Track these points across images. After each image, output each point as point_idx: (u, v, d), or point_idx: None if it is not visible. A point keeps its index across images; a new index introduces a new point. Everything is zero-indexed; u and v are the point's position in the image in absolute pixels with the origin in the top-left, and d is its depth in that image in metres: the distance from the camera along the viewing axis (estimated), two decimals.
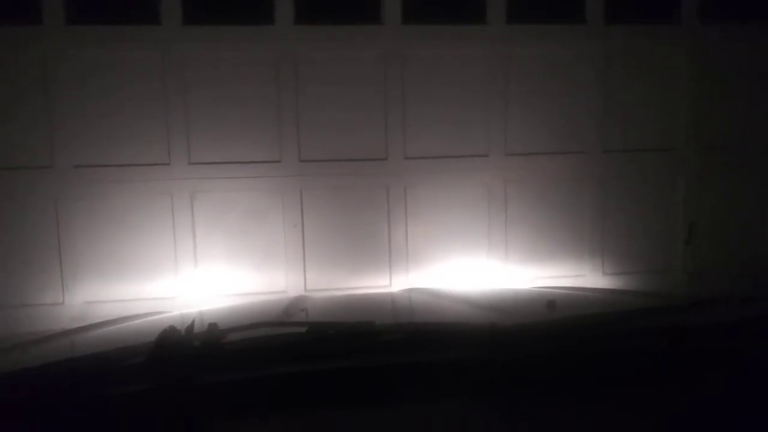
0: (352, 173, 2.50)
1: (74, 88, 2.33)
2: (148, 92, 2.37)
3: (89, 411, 0.79)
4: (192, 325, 0.91)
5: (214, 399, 0.82)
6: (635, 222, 2.65)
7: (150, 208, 2.40)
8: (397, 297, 1.68)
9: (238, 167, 2.43)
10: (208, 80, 2.40)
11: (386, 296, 1.80)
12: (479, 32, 2.51)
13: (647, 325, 0.97)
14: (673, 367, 0.86)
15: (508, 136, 2.56)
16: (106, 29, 2.33)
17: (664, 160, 2.65)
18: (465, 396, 0.82)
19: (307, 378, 0.83)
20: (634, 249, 2.65)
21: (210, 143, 2.41)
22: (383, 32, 2.46)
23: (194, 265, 2.44)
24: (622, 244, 2.64)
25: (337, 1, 2.46)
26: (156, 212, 2.41)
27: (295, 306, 1.38)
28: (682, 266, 2.66)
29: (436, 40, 2.49)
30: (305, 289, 2.47)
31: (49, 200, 2.34)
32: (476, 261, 2.58)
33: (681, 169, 2.66)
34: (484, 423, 0.78)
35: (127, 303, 2.36)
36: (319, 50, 2.44)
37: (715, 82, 2.65)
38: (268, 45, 2.41)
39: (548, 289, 1.65)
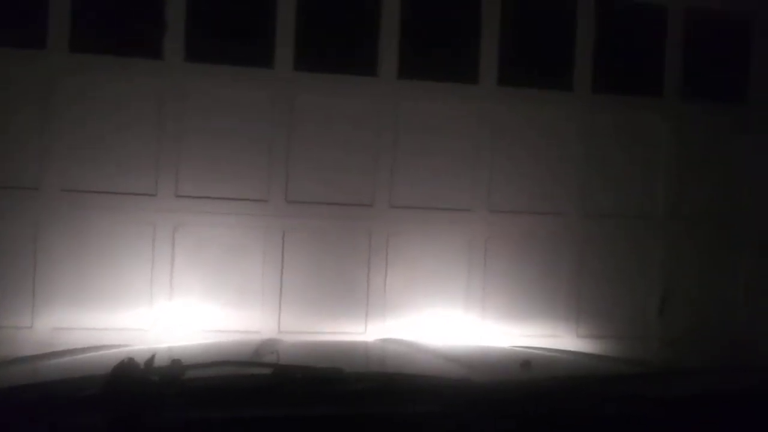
0: (337, 217, 2.53)
1: (69, 113, 2.36)
2: (142, 123, 2.41)
3: None
4: (152, 359, 0.88)
5: None
6: (611, 287, 2.69)
7: (131, 237, 2.40)
8: (370, 346, 1.66)
9: (225, 203, 2.45)
10: (203, 116, 2.44)
11: (359, 344, 1.78)
12: (472, 92, 2.60)
13: (620, 392, 0.97)
14: None
15: (492, 192, 2.62)
16: (108, 59, 2.38)
17: (643, 227, 2.72)
18: None
19: (270, 423, 0.81)
20: (609, 314, 2.68)
21: (199, 178, 2.43)
22: (379, 85, 2.54)
23: (169, 298, 2.42)
24: (598, 308, 2.67)
25: (337, 52, 2.54)
26: (137, 242, 2.40)
27: (264, 349, 1.34)
28: (654, 334, 2.70)
29: (430, 96, 2.57)
30: (279, 331, 2.45)
31: (31, 222, 2.33)
32: (453, 314, 2.59)
33: (658, 237, 2.73)
34: None
35: (97, 332, 2.32)
36: (315, 96, 2.51)
37: (694, 155, 2.75)
38: (266, 87, 2.47)
39: (524, 349, 1.63)
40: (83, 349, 1.45)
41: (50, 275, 2.34)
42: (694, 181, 2.76)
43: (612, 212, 2.71)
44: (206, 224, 2.44)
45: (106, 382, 0.81)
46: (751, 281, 2.77)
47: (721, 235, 2.77)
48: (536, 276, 2.64)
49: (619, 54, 2.73)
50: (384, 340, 1.77)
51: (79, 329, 2.34)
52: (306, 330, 2.45)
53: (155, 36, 2.42)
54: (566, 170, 2.68)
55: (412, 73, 2.56)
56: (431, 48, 2.61)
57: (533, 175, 2.66)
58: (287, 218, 2.49)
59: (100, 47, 2.38)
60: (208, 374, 0.89)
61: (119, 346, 1.45)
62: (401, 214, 2.56)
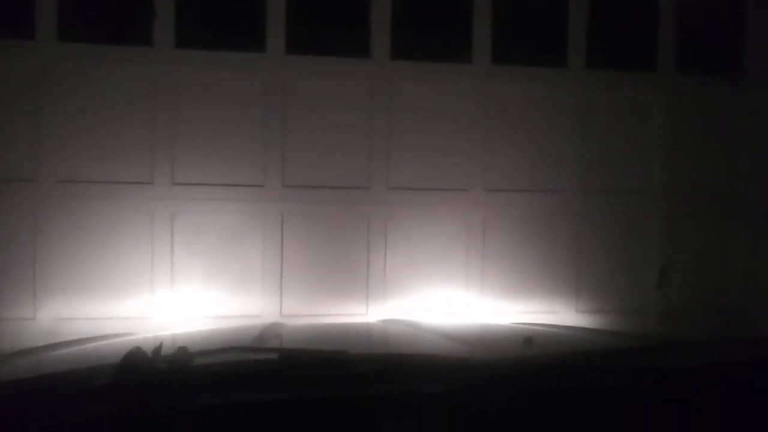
0: (335, 201, 2.54)
1: (62, 103, 2.35)
2: (135, 111, 2.40)
3: None
4: (159, 347, 0.88)
5: (178, 425, 0.79)
6: (610, 261, 2.71)
7: (130, 226, 2.40)
8: (373, 327, 1.66)
9: (222, 189, 2.45)
10: (196, 102, 2.43)
11: (362, 326, 1.78)
12: (465, 71, 2.59)
13: (621, 365, 0.97)
14: (646, 408, 0.85)
15: (489, 171, 2.63)
16: (98, 48, 2.36)
17: (640, 201, 2.73)
18: (438, 429, 0.81)
19: (277, 406, 0.81)
20: (607, 288, 2.70)
21: (195, 164, 2.43)
22: (372, 66, 2.53)
23: (171, 286, 2.43)
24: (597, 283, 2.69)
25: (329, 34, 2.52)
26: (136, 231, 2.41)
27: (268, 333, 1.34)
28: (653, 307, 2.72)
29: (424, 76, 2.56)
30: (281, 314, 2.47)
31: (28, 214, 2.33)
32: (453, 293, 2.61)
33: (655, 211, 2.75)
34: None
35: (100, 321, 2.33)
36: (309, 80, 2.50)
37: (690, 129, 2.75)
38: (258, 72, 2.46)
39: (525, 325, 1.64)
40: (89, 339, 1.45)
41: (50, 266, 2.35)
42: (691, 154, 2.76)
43: (609, 188, 2.71)
44: (204, 211, 2.45)
45: (115, 372, 0.80)
46: (750, 252, 2.79)
47: (718, 208, 2.78)
48: (535, 253, 2.65)
49: (613, 29, 2.72)
50: (386, 321, 1.77)
51: (81, 319, 2.35)
52: (308, 313, 2.47)
53: (145, 23, 2.40)
54: (562, 147, 2.68)
55: (405, 53, 2.55)
56: (424, 28, 2.59)
57: (529, 153, 2.66)
58: (285, 203, 2.49)
59: (89, 36, 2.36)
60: (215, 360, 0.89)
61: (125, 335, 1.45)
62: (399, 196, 2.56)
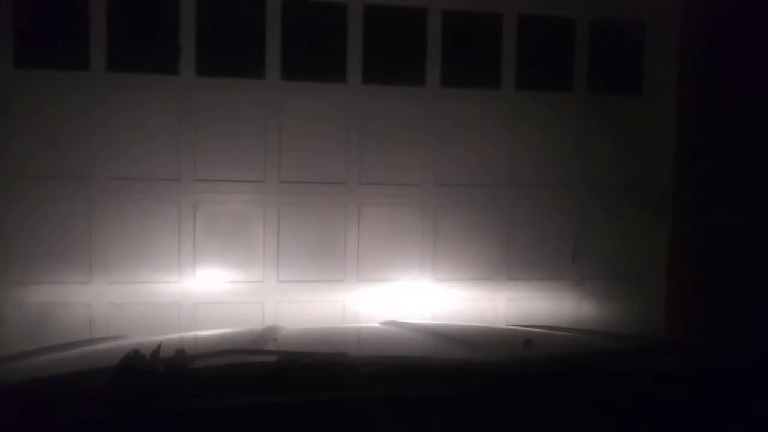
0: (319, 193, 3.27)
1: (111, 119, 3.07)
2: (166, 125, 3.12)
3: None
4: (157, 350, 0.87)
5: (176, 428, 0.78)
6: (535, 241, 3.46)
7: (162, 213, 3.14)
8: (372, 330, 1.66)
9: (232, 184, 3.19)
10: (213, 119, 3.15)
11: (361, 329, 1.78)
12: (421, 92, 3.32)
13: (621, 367, 0.99)
14: (644, 410, 0.85)
15: (440, 170, 3.36)
16: (137, 77, 3.08)
17: (559, 194, 3.48)
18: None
19: (276, 409, 0.80)
20: (533, 261, 3.45)
21: (212, 165, 3.16)
22: (347, 89, 3.25)
23: (193, 258, 3.17)
24: (524, 257, 3.44)
25: (314, 63, 3.25)
26: (166, 217, 3.14)
27: (266, 336, 1.32)
28: (569, 276, 3.48)
29: (388, 97, 3.29)
30: (278, 281, 3.22)
31: (86, 203, 3.06)
32: (411, 265, 3.36)
33: (571, 201, 3.48)
34: None
35: (139, 284, 3.08)
36: (298, 99, 3.22)
37: (602, 136, 3.48)
38: (259, 95, 3.18)
39: (524, 328, 1.70)
40: (88, 341, 1.48)
41: (102, 244, 3.08)
42: (601, 155, 3.49)
43: (535, 183, 3.46)
44: (219, 201, 3.19)
45: (114, 375, 0.81)
46: (646, 233, 3.54)
47: (623, 198, 3.52)
48: (475, 234, 3.40)
49: (542, 60, 3.45)
50: (385, 323, 1.76)
51: (125, 283, 3.10)
52: (298, 279, 3.22)
53: (172, 56, 3.12)
54: (497, 150, 3.41)
55: (374, 79, 3.28)
56: (387, 58, 3.31)
57: (472, 154, 3.39)
58: (281, 195, 3.23)
59: (131, 67, 3.08)
60: (214, 363, 0.90)
61: (123, 337, 1.41)
62: (368, 190, 3.30)
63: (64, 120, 3.04)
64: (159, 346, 0.89)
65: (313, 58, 3.26)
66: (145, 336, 1.40)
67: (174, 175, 3.15)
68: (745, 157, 3.23)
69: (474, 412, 0.82)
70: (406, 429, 0.80)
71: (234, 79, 3.17)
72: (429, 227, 3.37)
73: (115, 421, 0.77)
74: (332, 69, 3.25)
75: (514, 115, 3.41)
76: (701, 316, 3.35)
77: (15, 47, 2.97)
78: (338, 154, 3.29)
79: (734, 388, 0.93)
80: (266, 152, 3.22)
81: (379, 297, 3.34)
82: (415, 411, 0.82)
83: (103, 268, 3.09)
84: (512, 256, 3.44)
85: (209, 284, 3.18)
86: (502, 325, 2.15)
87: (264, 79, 3.19)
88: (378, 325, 1.67)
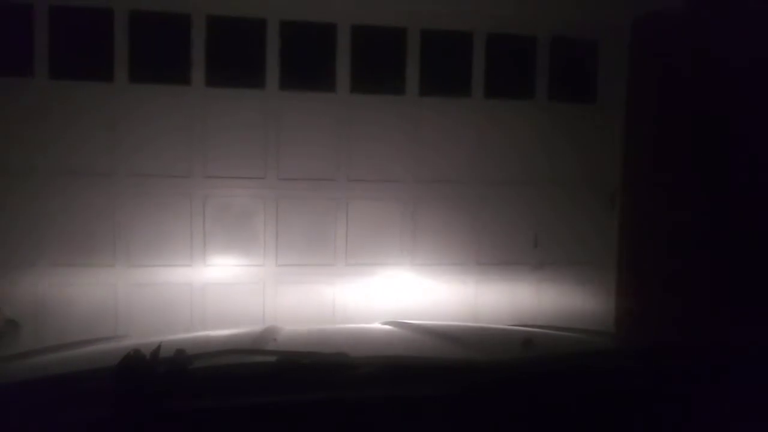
0: (313, 188, 3.76)
1: (133, 124, 3.55)
2: (179, 128, 3.60)
3: None
4: (157, 350, 0.87)
5: (176, 428, 0.79)
6: (503, 229, 3.95)
7: (176, 205, 3.62)
8: (372, 330, 1.66)
9: (237, 180, 3.68)
10: (220, 123, 3.64)
11: (361, 329, 1.78)
12: (401, 101, 3.81)
13: (622, 367, 0.99)
14: (646, 409, 0.86)
15: (418, 168, 3.86)
16: (155, 87, 3.56)
17: (522, 189, 3.97)
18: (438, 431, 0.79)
19: (276, 409, 0.81)
20: (499, 247, 3.95)
21: (219, 163, 3.65)
22: (336, 98, 3.74)
23: (203, 245, 3.66)
24: (492, 243, 3.94)
25: (307, 76, 3.74)
26: (179, 208, 3.63)
27: (267, 336, 1.32)
28: (530, 260, 3.98)
29: (372, 106, 3.78)
30: (276, 264, 3.71)
31: (111, 197, 3.55)
32: (393, 251, 3.85)
33: (533, 196, 3.98)
34: None
35: (157, 267, 3.57)
36: (294, 107, 3.71)
37: (561, 139, 3.98)
38: (260, 103, 3.67)
39: (524, 328, 1.71)
40: (88, 342, 1.49)
41: (125, 231, 3.57)
42: (561, 156, 3.99)
43: (501, 180, 3.95)
44: (225, 195, 3.67)
45: (114, 375, 0.81)
46: (599, 224, 4.04)
47: (579, 193, 4.03)
48: (448, 225, 3.90)
49: (508, 72, 3.94)
50: (387, 323, 1.75)
51: (144, 266, 3.58)
52: (294, 263, 3.71)
53: (185, 70, 3.60)
54: (469, 151, 3.91)
55: (361, 89, 3.77)
56: (372, 71, 3.80)
57: (446, 155, 3.89)
58: (280, 190, 3.72)
59: (149, 78, 3.56)
60: (213, 363, 0.90)
61: (123, 338, 1.43)
62: (356, 185, 3.80)
63: (93, 125, 3.52)
64: (159, 346, 0.89)
65: (307, 71, 3.75)
66: (145, 336, 1.38)
67: (186, 172, 3.63)
68: (683, 157, 3.73)
69: (474, 412, 0.82)
70: (406, 429, 0.80)
71: (238, 89, 3.65)
72: (408, 219, 3.86)
73: (115, 422, 0.78)
74: (324, 81, 3.74)
75: (482, 120, 3.91)
76: (645, 296, 3.85)
77: (51, 62, 3.45)
78: (329, 154, 3.78)
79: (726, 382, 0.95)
80: (266, 153, 3.71)
81: (364, 279, 3.83)
82: (415, 411, 0.82)
83: (126, 253, 3.57)
84: (481, 244, 3.94)
85: (217, 267, 3.67)
86: (501, 325, 2.24)
87: (264, 89, 3.68)
88: (378, 325, 1.66)
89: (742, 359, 1.07)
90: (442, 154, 3.89)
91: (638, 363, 1.06)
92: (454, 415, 0.81)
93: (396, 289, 3.85)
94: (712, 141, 3.68)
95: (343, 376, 0.89)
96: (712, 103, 3.66)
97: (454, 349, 1.25)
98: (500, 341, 1.48)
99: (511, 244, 3.98)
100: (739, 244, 3.61)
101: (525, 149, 3.98)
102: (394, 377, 0.89)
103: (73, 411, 0.79)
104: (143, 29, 3.54)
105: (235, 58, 3.68)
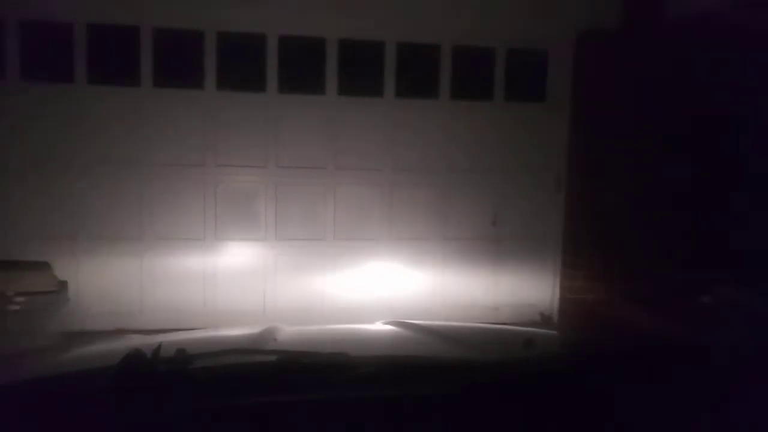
0: (306, 175, 4.49)
1: (158, 122, 4.27)
2: (196, 126, 4.33)
3: None
4: (158, 349, 0.89)
5: (177, 427, 0.80)
6: (466, 210, 4.69)
7: (193, 189, 4.35)
8: (372, 330, 1.67)
9: (243, 169, 4.41)
10: (228, 121, 4.36)
11: (361, 329, 1.81)
12: (380, 102, 4.54)
13: (622, 367, 1.01)
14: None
15: (395, 160, 4.59)
16: (174, 91, 4.28)
17: (482, 176, 4.71)
18: (437, 430, 0.83)
19: (277, 408, 0.82)
20: (464, 223, 4.69)
21: (227, 154, 4.38)
22: (326, 100, 4.47)
23: (215, 223, 4.39)
24: (458, 221, 4.68)
25: (302, 82, 4.46)
26: (196, 191, 4.36)
27: (267, 336, 1.33)
28: (491, 236, 4.73)
29: (356, 105, 4.50)
30: (276, 238, 4.44)
31: (138, 183, 4.27)
32: (373, 233, 4.59)
33: (491, 182, 4.72)
34: None
35: (176, 240, 4.30)
36: (291, 107, 4.43)
37: (516, 131, 4.71)
38: (262, 104, 4.39)
39: (522, 328, 1.74)
40: (88, 341, 1.50)
41: (151, 211, 4.29)
42: (516, 147, 4.73)
43: (465, 168, 4.69)
44: (233, 181, 4.40)
45: (115, 374, 0.84)
46: (547, 205, 4.78)
47: (531, 178, 4.76)
48: (420, 208, 4.63)
49: (471, 78, 4.66)
50: (387, 323, 1.76)
51: (166, 239, 4.31)
52: (290, 238, 4.45)
53: (198, 76, 4.32)
54: (438, 144, 4.63)
55: (347, 92, 4.49)
56: (356, 77, 4.53)
57: (419, 148, 4.62)
58: (278, 176, 4.45)
59: (170, 84, 4.28)
60: (214, 363, 0.92)
61: (123, 337, 1.40)
62: (342, 173, 4.53)
63: (123, 123, 4.24)
64: (159, 346, 0.89)
65: (301, 77, 4.47)
66: (145, 336, 1.38)
67: (200, 162, 4.36)
68: (617, 148, 4.48)
69: (473, 412, 0.82)
70: (406, 429, 0.81)
71: (244, 93, 4.38)
72: (386, 201, 4.60)
73: (115, 421, 0.78)
74: (315, 85, 4.47)
75: (449, 118, 4.64)
76: (586, 263, 4.60)
77: (88, 70, 4.16)
78: (320, 147, 4.51)
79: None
80: (267, 145, 4.44)
81: (350, 251, 4.57)
82: (415, 411, 0.83)
83: (151, 229, 4.30)
84: (447, 222, 4.69)
85: (226, 241, 4.40)
86: (501, 325, 2.41)
87: (265, 92, 4.41)
88: (378, 325, 1.66)
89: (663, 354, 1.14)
90: (414, 147, 4.63)
91: (637, 362, 1.09)
92: (453, 414, 0.83)
93: (376, 258, 4.59)
94: (640, 134, 4.43)
95: (343, 375, 0.90)
96: (640, 103, 4.41)
97: (454, 349, 1.27)
98: (500, 341, 1.51)
99: (473, 221, 4.72)
100: (663, 220, 4.37)
101: (485, 142, 4.71)
102: (394, 377, 0.91)
103: (73, 410, 0.81)
104: (164, 43, 4.25)
105: (241, 67, 4.40)
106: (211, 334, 1.59)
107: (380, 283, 4.57)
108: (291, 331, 1.45)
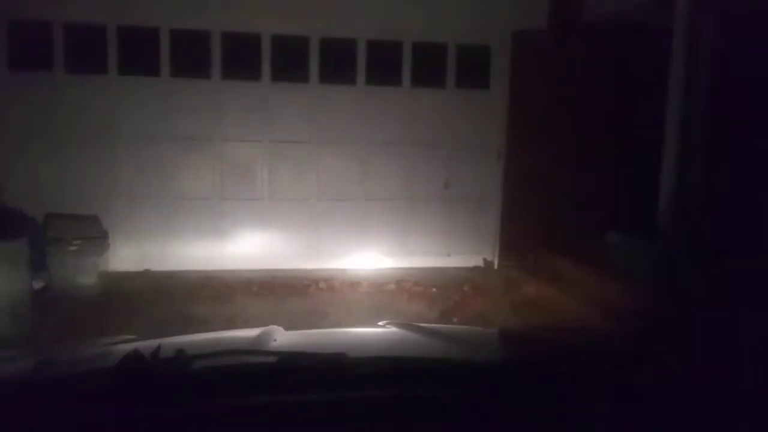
0: (295, 148, 5.58)
1: (175, 103, 5.32)
2: (205, 108, 5.38)
3: None
4: (157, 350, 0.90)
5: (176, 429, 0.81)
6: (425, 176, 5.81)
7: (204, 160, 5.43)
8: (371, 331, 1.70)
9: (244, 143, 5.48)
10: (231, 103, 5.42)
11: (360, 331, 1.82)
12: (354, 89, 5.61)
13: (623, 367, 1.03)
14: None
15: (371, 135, 5.68)
16: (187, 80, 5.33)
17: (437, 149, 5.82)
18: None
19: (276, 410, 0.83)
20: (424, 188, 5.81)
21: (232, 130, 5.45)
22: (309, 87, 5.54)
23: (222, 186, 5.48)
24: (419, 186, 5.80)
25: (290, 72, 5.52)
26: (205, 162, 5.44)
27: (266, 338, 1.34)
28: (443, 198, 5.86)
29: (335, 91, 5.58)
30: (270, 198, 5.55)
31: (162, 152, 5.34)
32: (351, 194, 5.70)
33: (444, 155, 5.83)
34: None
35: (191, 201, 5.39)
36: (281, 92, 5.50)
37: (464, 114, 5.82)
38: (258, 90, 5.46)
39: (523, 329, 1.74)
40: (88, 343, 1.55)
41: (172, 176, 5.36)
42: (465, 127, 5.83)
43: (425, 142, 5.79)
44: (235, 153, 5.48)
45: (114, 376, 0.84)
46: (489, 172, 5.90)
47: (477, 151, 5.88)
48: (388, 174, 5.74)
49: (428, 69, 5.74)
50: (386, 324, 1.74)
51: (183, 199, 5.39)
52: (283, 198, 5.56)
53: (206, 67, 5.36)
54: (402, 123, 5.72)
55: (327, 80, 5.56)
56: (335, 68, 5.59)
57: (387, 126, 5.71)
58: (271, 149, 5.54)
59: (183, 73, 5.32)
60: (213, 364, 0.92)
61: (123, 339, 1.46)
62: (324, 146, 5.62)
63: (149, 107, 5.29)
64: (159, 347, 0.90)
65: (289, 68, 5.53)
66: (145, 337, 1.44)
67: (209, 136, 5.44)
68: (547, 127, 5.61)
69: (473, 413, 0.84)
70: (406, 429, 0.82)
71: (243, 81, 5.44)
72: (361, 169, 5.71)
73: (115, 422, 0.79)
74: (301, 75, 5.54)
75: (410, 102, 5.73)
76: (520, 220, 5.75)
77: (119, 63, 5.19)
78: (305, 125, 5.59)
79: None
80: (263, 123, 5.51)
81: (332, 209, 5.68)
82: (415, 411, 0.84)
83: (171, 189, 5.38)
84: (411, 185, 5.81)
85: (229, 201, 5.50)
86: (501, 326, 2.41)
87: (260, 81, 5.47)
88: (378, 327, 1.67)
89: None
90: (383, 125, 5.72)
91: (637, 363, 1.11)
92: (453, 415, 0.84)
93: (353, 214, 5.71)
94: (562, 115, 5.57)
95: (343, 376, 0.91)
96: (562, 90, 5.54)
97: (454, 350, 1.28)
98: (500, 341, 1.52)
99: (431, 185, 5.85)
100: (576, 182, 5.54)
101: (440, 122, 5.82)
102: (394, 378, 0.92)
103: (73, 411, 0.82)
104: (179, 40, 5.28)
105: (241, 60, 5.45)
106: (210, 336, 1.64)
107: (357, 233, 5.70)
108: (290, 334, 1.48)
